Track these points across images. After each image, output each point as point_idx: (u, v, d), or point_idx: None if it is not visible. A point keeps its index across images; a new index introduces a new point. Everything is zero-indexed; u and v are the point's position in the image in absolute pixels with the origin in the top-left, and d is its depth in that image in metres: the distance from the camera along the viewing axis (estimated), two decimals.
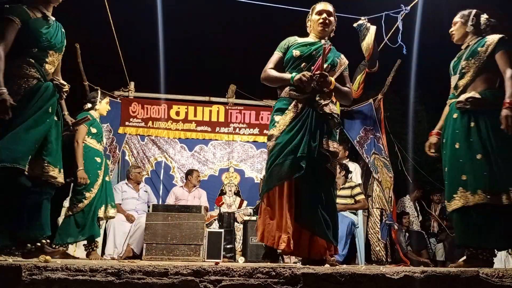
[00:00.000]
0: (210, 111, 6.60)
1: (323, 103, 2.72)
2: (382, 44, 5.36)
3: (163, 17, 5.24)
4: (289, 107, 2.74)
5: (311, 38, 2.93)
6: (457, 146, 2.74)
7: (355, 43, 5.37)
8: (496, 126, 2.60)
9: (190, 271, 1.63)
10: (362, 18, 5.23)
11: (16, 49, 2.43)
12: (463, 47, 2.94)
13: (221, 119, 6.63)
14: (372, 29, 5.14)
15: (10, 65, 2.39)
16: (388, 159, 6.12)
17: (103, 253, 5.12)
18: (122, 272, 1.59)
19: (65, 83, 2.63)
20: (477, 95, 2.69)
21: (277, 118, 2.76)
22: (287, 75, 2.77)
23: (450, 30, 3.00)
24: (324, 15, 2.87)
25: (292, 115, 2.72)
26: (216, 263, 2.06)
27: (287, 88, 2.78)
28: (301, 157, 2.61)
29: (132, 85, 6.52)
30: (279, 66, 2.86)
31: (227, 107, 6.66)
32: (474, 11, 2.91)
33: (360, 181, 6.09)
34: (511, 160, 2.59)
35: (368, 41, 5.17)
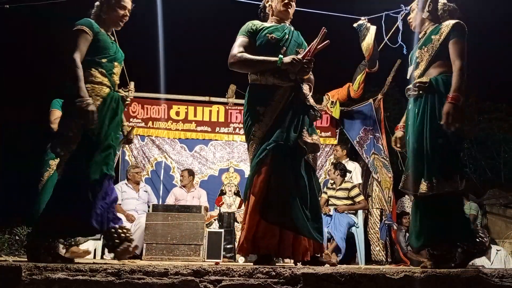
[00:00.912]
0: (210, 111, 6.60)
1: (309, 94, 2.63)
2: (382, 44, 5.36)
3: (163, 17, 5.24)
4: (274, 97, 2.58)
5: (272, 22, 2.79)
6: (407, 138, 2.66)
7: (355, 43, 5.37)
8: (433, 110, 2.48)
9: (190, 271, 1.63)
10: (362, 18, 5.23)
11: (90, 58, 2.51)
12: (420, 35, 2.77)
13: (221, 119, 6.63)
14: (372, 29, 5.14)
15: (86, 74, 2.47)
16: (387, 159, 6.11)
17: (103, 253, 5.12)
18: (122, 272, 1.59)
19: (127, 94, 2.72)
20: (425, 80, 2.55)
21: (261, 110, 2.59)
22: (271, 58, 2.55)
23: (408, 17, 2.88)
24: None
25: (278, 107, 2.57)
26: (216, 263, 2.07)
27: (270, 77, 2.62)
28: (276, 145, 2.48)
29: (132, 85, 6.52)
30: (248, 51, 2.63)
31: (227, 107, 6.65)
32: None
33: (360, 181, 6.09)
34: (441, 145, 2.45)
35: (368, 41, 5.17)
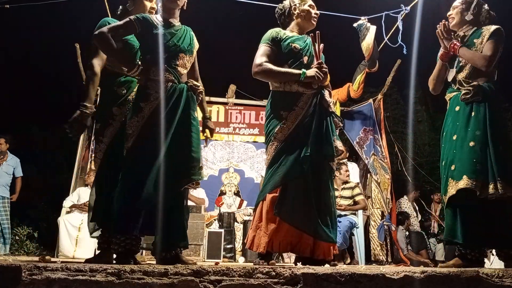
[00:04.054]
0: (210, 111, 6.60)
1: (331, 101, 2.73)
2: (382, 44, 5.36)
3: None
4: (298, 103, 2.66)
5: (293, 32, 2.85)
6: (454, 138, 2.71)
7: (355, 43, 5.37)
8: (493, 117, 2.59)
9: (190, 271, 1.62)
10: (362, 18, 5.23)
11: (150, 56, 2.46)
12: (457, 35, 2.86)
13: (221, 119, 6.64)
14: (372, 29, 5.15)
15: (147, 72, 2.41)
16: (385, 160, 6.11)
17: None
18: (122, 272, 1.59)
19: (199, 84, 2.59)
20: (481, 83, 2.67)
21: (284, 114, 2.65)
22: (295, 71, 2.65)
23: (449, 13, 2.91)
24: (316, 10, 2.88)
25: (300, 112, 2.64)
26: (216, 263, 2.06)
27: (294, 84, 2.68)
28: (306, 156, 2.55)
29: None
30: (271, 60, 2.70)
31: (227, 107, 6.66)
32: None
33: (358, 180, 6.09)
34: (503, 151, 2.56)
35: (368, 41, 5.17)
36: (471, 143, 2.59)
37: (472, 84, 2.67)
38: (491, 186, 2.50)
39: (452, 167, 2.65)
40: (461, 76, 2.78)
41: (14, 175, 6.00)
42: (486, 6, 2.82)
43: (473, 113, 2.65)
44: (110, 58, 2.45)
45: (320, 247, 2.57)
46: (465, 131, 2.66)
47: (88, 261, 2.14)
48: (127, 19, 2.45)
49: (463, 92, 2.71)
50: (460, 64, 2.80)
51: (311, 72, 2.63)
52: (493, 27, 2.72)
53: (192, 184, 2.44)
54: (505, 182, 2.49)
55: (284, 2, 2.95)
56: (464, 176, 2.55)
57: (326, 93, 2.76)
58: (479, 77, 2.71)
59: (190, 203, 5.59)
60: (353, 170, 6.08)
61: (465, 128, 2.66)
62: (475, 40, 2.74)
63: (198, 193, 5.87)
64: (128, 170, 2.34)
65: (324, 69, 2.67)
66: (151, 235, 2.37)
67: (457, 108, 2.76)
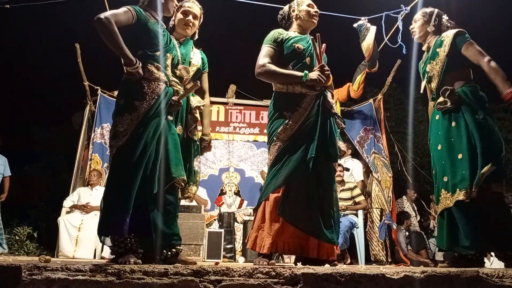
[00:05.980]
0: (210, 111, 6.60)
1: (334, 102, 2.74)
2: (382, 44, 5.36)
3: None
4: (301, 104, 2.66)
5: (295, 32, 2.86)
6: (439, 147, 2.73)
7: (355, 43, 5.37)
8: (476, 123, 2.58)
9: (190, 271, 1.62)
10: (362, 18, 5.23)
11: (143, 52, 2.42)
12: (424, 48, 2.94)
13: (221, 118, 6.64)
14: (372, 29, 5.14)
15: (142, 69, 2.38)
16: (387, 159, 6.12)
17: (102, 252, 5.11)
18: (122, 272, 1.59)
19: (181, 88, 2.63)
20: (457, 88, 2.68)
21: (288, 115, 2.65)
22: (297, 73, 2.66)
23: (411, 27, 2.98)
24: (316, 8, 2.87)
25: (303, 113, 2.65)
26: (216, 263, 2.06)
27: (297, 86, 2.69)
28: (311, 158, 2.55)
29: None
30: (274, 61, 2.71)
31: (227, 107, 6.66)
32: (436, 11, 2.88)
33: (362, 178, 6.08)
34: (490, 157, 2.55)
35: (368, 41, 5.17)
36: (459, 155, 2.60)
37: (446, 94, 2.66)
38: (477, 192, 2.51)
39: (445, 179, 2.67)
40: (433, 85, 2.82)
41: (3, 174, 6.00)
42: (445, 16, 2.88)
43: (453, 123, 2.66)
44: (109, 46, 2.33)
45: (324, 248, 2.57)
46: (448, 141, 2.67)
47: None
48: (125, 8, 2.39)
49: (438, 102, 2.74)
50: (429, 75, 2.83)
51: (313, 75, 2.64)
52: (452, 32, 2.74)
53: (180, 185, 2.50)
54: (492, 182, 2.51)
55: (284, 7, 2.98)
56: (457, 189, 2.58)
57: (329, 94, 2.77)
58: (455, 84, 2.72)
59: (192, 202, 5.61)
60: (357, 167, 6.08)
61: (447, 138, 2.68)
62: (437, 50, 2.78)
63: (200, 193, 5.87)
64: (121, 169, 2.32)
65: (326, 72, 2.67)
66: (147, 236, 2.34)
67: (437, 117, 2.79)
